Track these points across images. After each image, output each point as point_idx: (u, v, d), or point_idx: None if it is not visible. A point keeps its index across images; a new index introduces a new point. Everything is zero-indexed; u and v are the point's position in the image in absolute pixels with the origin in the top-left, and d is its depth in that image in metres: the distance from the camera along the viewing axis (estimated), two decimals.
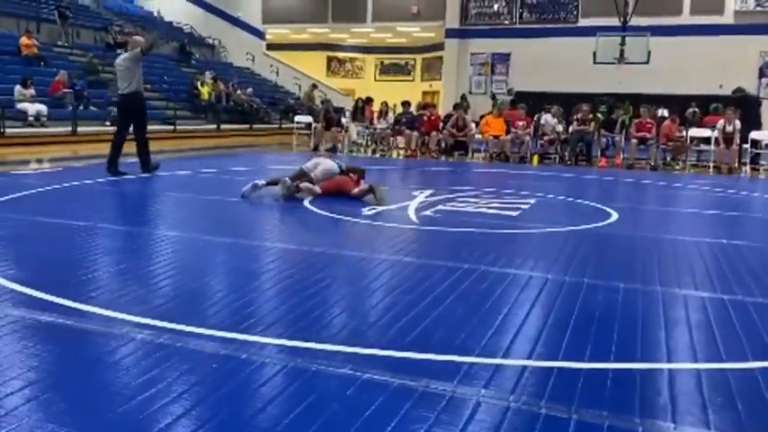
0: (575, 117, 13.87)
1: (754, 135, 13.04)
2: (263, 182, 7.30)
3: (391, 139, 14.98)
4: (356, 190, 7.31)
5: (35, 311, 3.24)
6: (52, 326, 3.08)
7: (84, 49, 20.18)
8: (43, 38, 19.04)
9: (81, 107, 16.04)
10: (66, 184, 7.85)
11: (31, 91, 14.92)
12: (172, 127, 18.18)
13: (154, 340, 2.92)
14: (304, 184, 7.24)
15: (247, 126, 21.40)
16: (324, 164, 7.55)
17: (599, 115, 15.25)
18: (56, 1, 20.62)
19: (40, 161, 11.09)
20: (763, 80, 20.09)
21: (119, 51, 21.28)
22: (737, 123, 12.71)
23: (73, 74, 17.02)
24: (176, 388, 2.45)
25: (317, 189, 7.24)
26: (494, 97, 21.28)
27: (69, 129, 14.95)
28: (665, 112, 13.74)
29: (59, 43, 19.73)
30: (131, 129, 8.84)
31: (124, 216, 6.20)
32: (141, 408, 2.29)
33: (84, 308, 3.32)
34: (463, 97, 21.82)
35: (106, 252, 4.77)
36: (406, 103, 15.52)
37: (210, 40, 27.47)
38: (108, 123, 16.28)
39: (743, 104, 13.28)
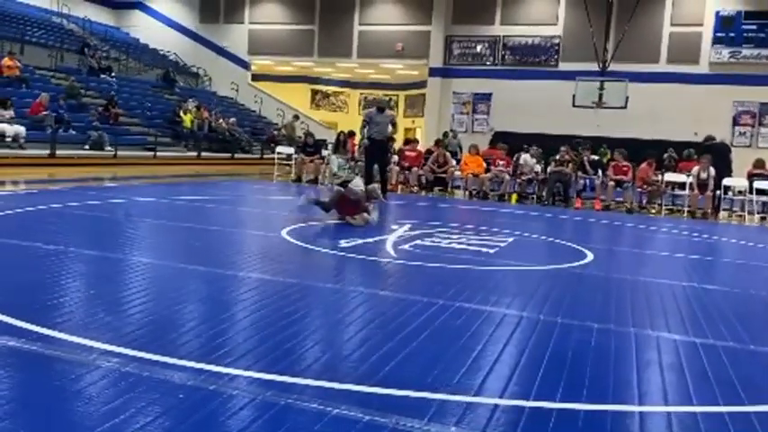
0: (554, 158, 14.09)
1: (726, 182, 13.34)
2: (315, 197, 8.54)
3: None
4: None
5: None
6: (15, 351, 3.00)
7: (66, 72, 20.12)
8: (26, 60, 18.95)
9: (61, 130, 15.91)
10: (40, 207, 7.73)
11: (11, 112, 14.79)
12: (152, 153, 18.11)
13: (120, 369, 2.85)
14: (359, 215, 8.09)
15: (228, 155, 21.39)
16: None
17: (582, 156, 15.50)
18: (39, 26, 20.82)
19: (15, 183, 10.93)
20: (736, 128, 20.63)
21: (102, 76, 21.46)
22: (712, 170, 13.00)
23: (57, 96, 16.91)
24: (140, 419, 2.39)
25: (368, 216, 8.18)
26: (445, 135, 21.57)
27: (48, 151, 14.81)
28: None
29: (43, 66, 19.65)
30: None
31: (97, 241, 6.11)
32: None
33: (49, 333, 3.24)
34: (445, 134, 22.04)
35: (76, 277, 4.68)
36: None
37: (195, 69, 27.58)
38: (87, 147, 16.20)
39: (715, 151, 13.59)
